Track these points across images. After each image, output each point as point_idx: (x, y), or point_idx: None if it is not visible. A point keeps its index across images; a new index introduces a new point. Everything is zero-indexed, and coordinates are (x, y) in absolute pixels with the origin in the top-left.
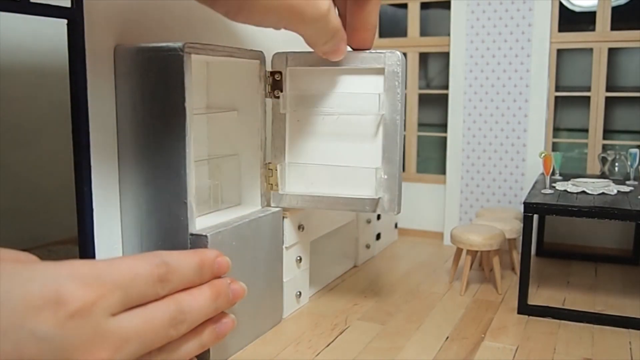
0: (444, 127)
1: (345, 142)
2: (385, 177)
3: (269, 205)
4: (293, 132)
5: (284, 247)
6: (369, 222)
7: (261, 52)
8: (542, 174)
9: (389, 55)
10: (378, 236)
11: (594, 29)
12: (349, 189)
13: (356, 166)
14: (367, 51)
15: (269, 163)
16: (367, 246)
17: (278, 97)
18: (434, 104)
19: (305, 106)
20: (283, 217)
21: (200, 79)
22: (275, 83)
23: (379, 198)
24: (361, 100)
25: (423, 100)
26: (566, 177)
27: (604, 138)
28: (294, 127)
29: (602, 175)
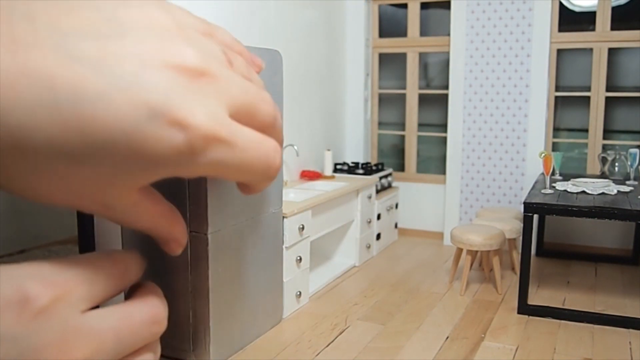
0: (444, 127)
1: None
2: None
3: None
4: None
5: (284, 247)
6: (369, 222)
7: (277, 51)
8: (542, 174)
9: None
10: (378, 236)
11: (594, 29)
12: None
13: None
14: None
15: None
16: (367, 246)
17: None
18: (434, 104)
19: None
20: (283, 217)
21: None
22: None
23: None
24: None
25: (423, 100)
26: (566, 177)
27: (604, 138)
28: None
29: (602, 175)
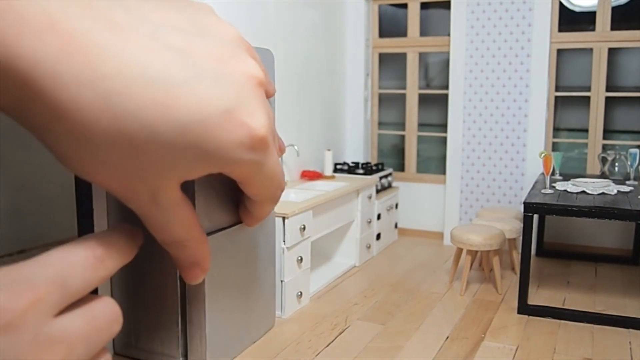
0: (444, 127)
1: None
2: None
3: None
4: None
5: (285, 247)
6: (369, 222)
7: (268, 50)
8: (542, 174)
9: None
10: (378, 236)
11: (594, 29)
12: None
13: None
14: None
15: None
16: (367, 246)
17: None
18: (434, 104)
19: None
20: (284, 218)
21: None
22: None
23: None
24: None
25: (423, 100)
26: (566, 177)
27: (604, 138)
28: None
29: (602, 175)
